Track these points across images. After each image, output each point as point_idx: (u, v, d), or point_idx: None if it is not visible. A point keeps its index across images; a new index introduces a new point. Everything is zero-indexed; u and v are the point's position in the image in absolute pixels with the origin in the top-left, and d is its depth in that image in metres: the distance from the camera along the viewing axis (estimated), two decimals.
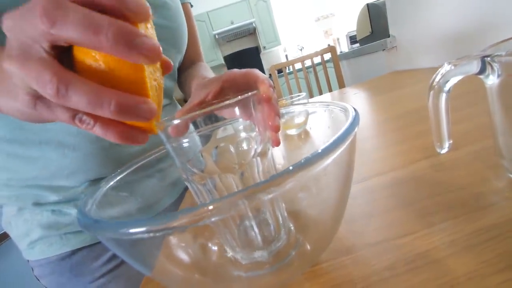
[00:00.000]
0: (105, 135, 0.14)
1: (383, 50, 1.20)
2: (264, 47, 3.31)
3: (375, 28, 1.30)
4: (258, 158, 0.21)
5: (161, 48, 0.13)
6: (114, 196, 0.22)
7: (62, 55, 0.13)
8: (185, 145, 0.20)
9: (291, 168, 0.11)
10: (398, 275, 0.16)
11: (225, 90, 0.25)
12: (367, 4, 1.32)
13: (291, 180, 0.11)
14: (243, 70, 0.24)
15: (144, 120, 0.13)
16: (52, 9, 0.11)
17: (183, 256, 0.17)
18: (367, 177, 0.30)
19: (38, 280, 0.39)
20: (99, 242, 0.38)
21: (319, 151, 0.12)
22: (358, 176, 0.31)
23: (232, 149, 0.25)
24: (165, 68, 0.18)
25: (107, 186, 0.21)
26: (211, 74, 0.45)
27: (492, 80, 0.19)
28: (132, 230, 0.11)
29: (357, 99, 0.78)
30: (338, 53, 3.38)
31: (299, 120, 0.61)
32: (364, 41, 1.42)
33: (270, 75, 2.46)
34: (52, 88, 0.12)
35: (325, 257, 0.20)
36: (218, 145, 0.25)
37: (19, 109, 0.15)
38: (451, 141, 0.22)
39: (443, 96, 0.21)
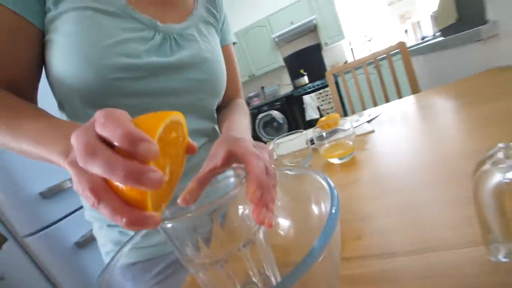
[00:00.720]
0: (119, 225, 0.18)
1: (477, 41, 0.96)
2: (326, 43, 3.12)
3: (464, 13, 1.04)
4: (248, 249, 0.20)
5: (163, 178, 0.16)
6: None
7: None
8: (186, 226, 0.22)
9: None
10: None
11: (231, 161, 0.25)
12: None
13: None
14: (246, 153, 0.24)
15: (148, 228, 0.17)
16: (85, 154, 0.16)
17: None
18: (395, 253, 0.25)
19: None
20: (152, 259, 0.45)
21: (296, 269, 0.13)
22: (389, 247, 0.26)
23: (237, 212, 0.25)
24: (190, 151, 0.22)
25: None
26: (243, 116, 0.47)
27: None
28: None
29: (434, 114, 0.60)
30: (419, 39, 2.87)
31: (343, 147, 0.54)
32: (447, 31, 1.16)
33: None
34: (90, 202, 0.17)
35: None
36: (226, 209, 0.25)
37: None
38: (510, 248, 0.16)
39: (493, 190, 0.15)
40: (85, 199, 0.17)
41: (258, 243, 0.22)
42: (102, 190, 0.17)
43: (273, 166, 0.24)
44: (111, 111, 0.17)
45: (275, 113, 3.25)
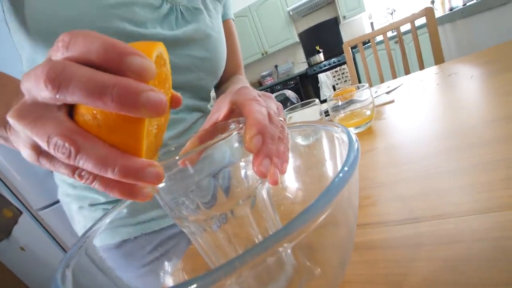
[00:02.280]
0: (105, 191, 0.14)
1: None
2: (344, 17, 2.92)
3: None
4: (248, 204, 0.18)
5: (167, 102, 0.12)
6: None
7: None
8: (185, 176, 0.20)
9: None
10: None
11: (234, 113, 0.23)
12: None
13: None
14: (246, 98, 0.20)
15: (150, 184, 0.13)
16: (56, 75, 0.11)
17: None
18: (417, 218, 0.22)
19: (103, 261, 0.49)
20: (143, 235, 0.42)
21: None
22: (410, 213, 0.24)
23: (241, 172, 0.23)
24: (174, 103, 0.18)
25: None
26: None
27: None
28: None
29: (460, 83, 0.55)
30: (448, 11, 2.60)
31: (360, 116, 0.51)
32: None
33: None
34: (63, 154, 0.12)
35: None
36: (228, 169, 0.23)
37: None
38: None
39: None
40: (55, 152, 0.12)
41: (261, 203, 0.20)
42: (78, 134, 0.12)
43: (281, 119, 0.22)
44: (79, 30, 0.12)
45: (289, 93, 3.16)
